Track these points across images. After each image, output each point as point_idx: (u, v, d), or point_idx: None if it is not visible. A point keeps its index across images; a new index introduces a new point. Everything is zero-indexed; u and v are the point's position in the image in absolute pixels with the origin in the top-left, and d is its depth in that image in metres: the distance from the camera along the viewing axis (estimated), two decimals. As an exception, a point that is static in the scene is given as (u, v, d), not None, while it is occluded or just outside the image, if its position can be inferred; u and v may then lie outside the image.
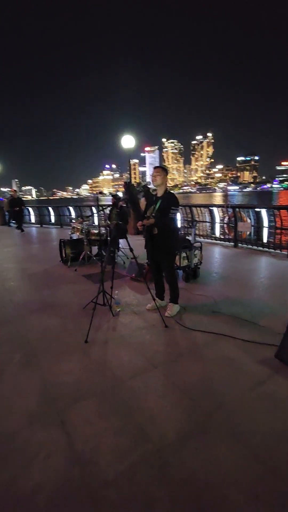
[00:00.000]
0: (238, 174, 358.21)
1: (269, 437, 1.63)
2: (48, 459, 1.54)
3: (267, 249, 6.42)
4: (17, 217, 11.48)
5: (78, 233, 5.94)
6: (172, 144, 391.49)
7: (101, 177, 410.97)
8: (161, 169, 3.08)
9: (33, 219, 14.94)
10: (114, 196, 2.95)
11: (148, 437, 1.66)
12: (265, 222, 6.55)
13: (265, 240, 6.62)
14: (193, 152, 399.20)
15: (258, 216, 6.67)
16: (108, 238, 5.66)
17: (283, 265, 5.31)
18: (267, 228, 6.59)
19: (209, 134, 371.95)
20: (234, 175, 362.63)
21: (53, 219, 14.00)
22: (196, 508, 1.28)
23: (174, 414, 1.84)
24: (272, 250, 6.29)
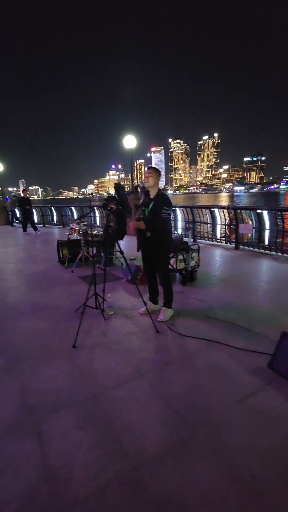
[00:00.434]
0: (245, 174, 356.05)
1: (253, 456, 1.53)
2: (18, 473, 1.47)
3: (268, 252, 6.27)
4: (28, 217, 11.17)
5: (76, 234, 5.88)
6: (178, 144, 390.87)
7: (107, 177, 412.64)
8: (154, 170, 2.99)
9: (36, 219, 14.98)
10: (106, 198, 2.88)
11: (126, 453, 1.57)
12: (267, 224, 6.40)
13: (266, 242, 6.47)
14: (199, 152, 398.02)
15: (259, 218, 6.52)
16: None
17: (284, 269, 5.17)
18: (268, 230, 6.43)
19: (216, 135, 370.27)
20: (240, 176, 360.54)
21: (55, 219, 14.03)
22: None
23: (155, 427, 1.75)
24: (274, 253, 6.15)
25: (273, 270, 5.21)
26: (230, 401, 1.95)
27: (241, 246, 6.84)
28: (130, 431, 1.72)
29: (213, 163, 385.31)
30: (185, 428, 1.74)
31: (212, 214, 7.79)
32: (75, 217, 11.62)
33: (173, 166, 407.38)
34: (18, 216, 15.08)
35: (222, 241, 7.49)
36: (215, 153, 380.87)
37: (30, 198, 12.29)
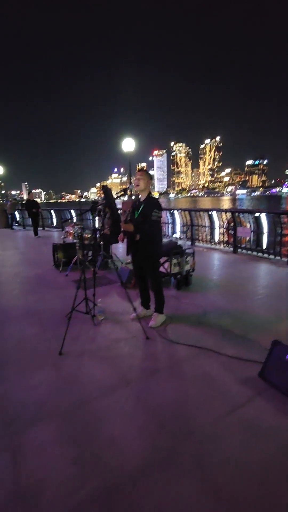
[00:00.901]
0: (247, 178, 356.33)
1: (239, 474, 1.44)
2: (-13, 492, 1.39)
3: (267, 256, 6.18)
4: (35, 220, 10.94)
5: (71, 237, 5.83)
6: (181, 148, 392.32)
7: (109, 181, 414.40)
8: (145, 173, 2.93)
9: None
10: (94, 202, 2.82)
11: (104, 469, 1.49)
12: (265, 228, 6.31)
13: (264, 246, 6.37)
14: (201, 155, 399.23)
15: (258, 221, 6.43)
16: (101, 243, 5.55)
17: (282, 273, 5.07)
18: (267, 234, 6.34)
19: (218, 138, 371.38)
20: (242, 179, 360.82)
21: (55, 222, 14.03)
22: None
23: (138, 440, 1.66)
24: (272, 257, 6.05)
25: (270, 275, 5.11)
26: (218, 413, 1.86)
27: (239, 250, 6.76)
28: (111, 445, 1.64)
29: (215, 166, 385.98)
30: (169, 442, 1.65)
31: (210, 218, 7.72)
32: (74, 221, 11.59)
33: (175, 169, 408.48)
34: (18, 219, 15.10)
35: (221, 244, 7.41)
36: (217, 156, 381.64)
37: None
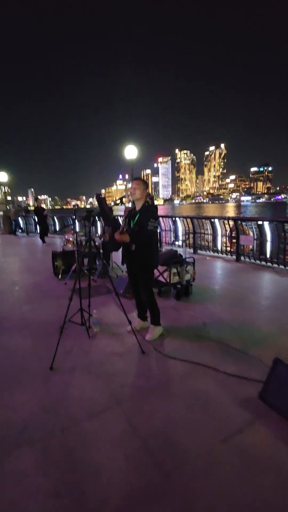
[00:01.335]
0: (252, 185, 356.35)
1: (233, 514, 1.30)
2: None
3: (270, 265, 6.02)
4: (42, 227, 10.98)
5: (70, 245, 5.76)
6: (185, 155, 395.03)
7: (114, 187, 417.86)
8: (141, 182, 2.84)
9: (38, 228, 15.03)
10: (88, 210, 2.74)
11: (84, 504, 1.36)
12: (268, 236, 6.17)
13: (268, 254, 6.22)
14: (206, 162, 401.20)
15: (261, 229, 6.30)
16: (101, 250, 5.46)
17: (286, 283, 4.91)
18: (270, 242, 6.19)
19: (222, 145, 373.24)
20: (247, 186, 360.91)
21: (58, 229, 14.04)
22: None
23: (124, 471, 1.53)
24: (276, 266, 5.89)
25: (274, 285, 4.96)
26: (212, 439, 1.72)
27: (242, 258, 6.62)
28: (95, 475, 1.51)
29: (219, 173, 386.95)
30: (159, 473, 1.52)
31: (213, 225, 7.61)
32: (77, 228, 11.57)
33: (180, 176, 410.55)
34: (21, 225, 15.17)
35: (223, 252, 7.28)
36: (222, 163, 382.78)
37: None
